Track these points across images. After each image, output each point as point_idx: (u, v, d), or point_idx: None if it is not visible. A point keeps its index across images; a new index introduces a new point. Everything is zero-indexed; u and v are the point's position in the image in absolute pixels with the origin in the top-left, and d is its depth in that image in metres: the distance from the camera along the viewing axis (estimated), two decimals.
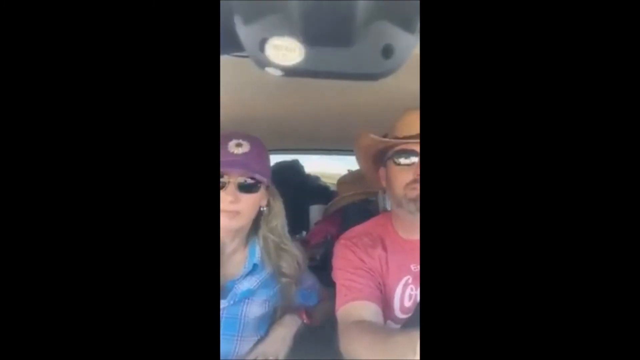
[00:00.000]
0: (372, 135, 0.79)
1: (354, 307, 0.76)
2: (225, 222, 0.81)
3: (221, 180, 0.80)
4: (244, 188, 0.81)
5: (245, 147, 0.82)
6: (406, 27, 0.25)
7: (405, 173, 0.77)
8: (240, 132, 0.85)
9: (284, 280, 0.89)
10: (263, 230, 0.89)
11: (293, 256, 0.90)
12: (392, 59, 0.26)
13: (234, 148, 0.82)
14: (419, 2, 0.24)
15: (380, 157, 0.85)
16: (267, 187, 0.87)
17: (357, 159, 0.91)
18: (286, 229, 0.91)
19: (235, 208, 0.80)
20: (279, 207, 0.90)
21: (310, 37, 0.24)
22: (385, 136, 0.81)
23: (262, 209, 0.88)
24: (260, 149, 0.86)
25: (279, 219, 0.90)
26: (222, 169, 0.79)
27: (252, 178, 0.81)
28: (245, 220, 0.84)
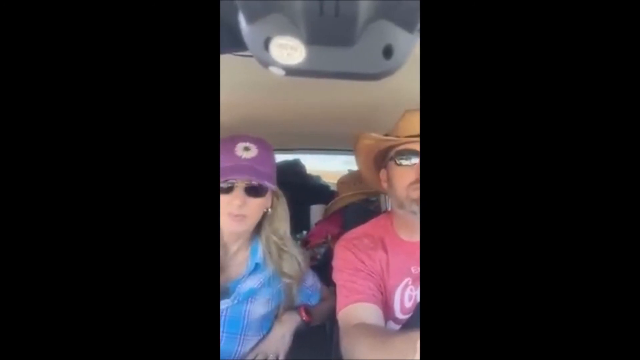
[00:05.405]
0: (373, 134, 0.78)
1: (355, 310, 0.76)
2: (232, 225, 0.80)
3: (229, 183, 0.79)
4: (252, 192, 0.81)
5: (253, 151, 0.82)
6: (406, 27, 0.25)
7: (407, 173, 0.76)
8: (248, 135, 0.85)
9: (286, 280, 0.89)
10: (266, 231, 0.88)
11: (293, 257, 0.90)
12: (392, 58, 0.26)
13: (242, 152, 0.82)
14: (419, 2, 0.24)
15: (381, 159, 0.84)
16: (273, 190, 0.87)
17: (357, 161, 0.89)
18: (289, 231, 0.91)
19: (242, 212, 0.80)
20: (283, 209, 0.89)
21: (312, 37, 0.24)
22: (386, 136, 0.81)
23: (266, 210, 0.87)
24: (268, 152, 0.86)
25: (282, 222, 0.89)
26: (230, 175, 0.79)
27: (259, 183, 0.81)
28: (251, 223, 0.84)
